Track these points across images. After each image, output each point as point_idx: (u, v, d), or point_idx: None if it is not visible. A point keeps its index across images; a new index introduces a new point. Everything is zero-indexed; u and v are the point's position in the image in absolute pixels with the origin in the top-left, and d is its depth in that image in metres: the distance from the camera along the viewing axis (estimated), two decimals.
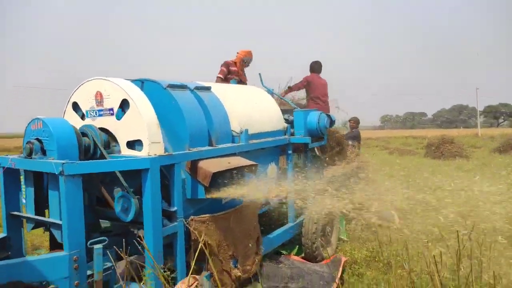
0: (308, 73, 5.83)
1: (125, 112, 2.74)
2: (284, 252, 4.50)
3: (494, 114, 61.64)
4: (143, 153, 2.67)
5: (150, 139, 2.65)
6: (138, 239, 2.33)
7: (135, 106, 2.67)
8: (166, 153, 2.73)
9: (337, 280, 3.76)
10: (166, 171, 2.88)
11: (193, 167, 3.04)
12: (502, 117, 62.34)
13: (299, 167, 4.65)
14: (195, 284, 2.58)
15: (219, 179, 3.12)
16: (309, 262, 4.24)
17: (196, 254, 2.52)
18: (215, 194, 3.10)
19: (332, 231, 4.70)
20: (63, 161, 2.30)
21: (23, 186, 2.86)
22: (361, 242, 4.81)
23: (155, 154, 2.65)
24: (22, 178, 2.85)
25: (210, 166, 3.01)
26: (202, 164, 3.01)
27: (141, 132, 2.67)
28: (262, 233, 4.38)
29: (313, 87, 5.65)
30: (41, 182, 2.84)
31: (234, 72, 5.12)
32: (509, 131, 32.42)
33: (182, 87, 3.20)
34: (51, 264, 2.29)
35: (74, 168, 2.31)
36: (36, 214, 2.77)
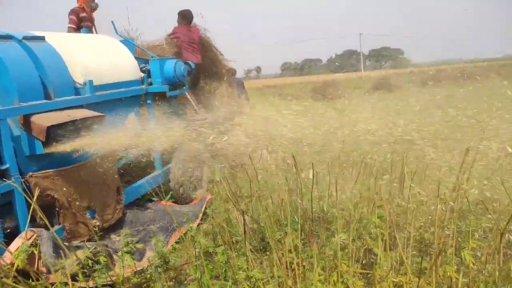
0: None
1: None
2: (154, 199, 4.66)
3: (377, 58, 68.07)
4: None
5: None
6: None
7: None
8: None
9: (199, 216, 4.07)
10: None
11: (27, 123, 2.93)
12: (384, 60, 69.16)
13: (168, 116, 4.72)
14: (33, 236, 2.59)
15: (62, 132, 3.06)
16: (177, 205, 4.49)
17: (31, 209, 2.52)
18: (58, 148, 3.05)
19: (201, 174, 4.97)
20: None
21: None
22: (230, 180, 5.17)
23: None
24: None
25: (45, 120, 2.92)
26: (35, 118, 2.90)
27: None
28: (128, 183, 4.48)
29: (181, 38, 5.66)
30: None
31: (85, 19, 4.81)
32: (388, 73, 36.23)
33: (5, 37, 2.96)
34: None
35: None
36: None
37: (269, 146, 4.11)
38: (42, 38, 3.27)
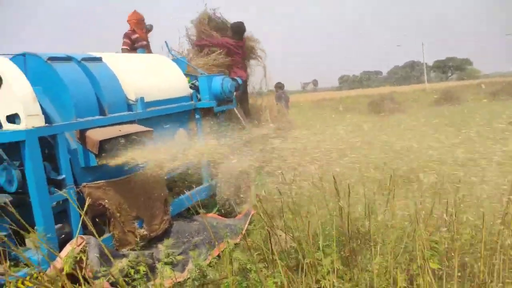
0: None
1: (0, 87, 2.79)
2: (202, 211, 4.77)
3: (443, 69, 64.47)
4: (21, 126, 2.76)
5: (26, 112, 2.74)
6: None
7: (7, 80, 2.73)
8: (45, 125, 2.83)
9: (243, 231, 4.09)
10: (53, 142, 2.99)
11: (82, 137, 3.17)
12: (450, 70, 65.32)
13: (215, 131, 4.85)
14: (83, 243, 2.77)
15: (113, 146, 3.27)
16: (222, 218, 4.55)
17: (81, 217, 2.70)
18: (109, 161, 3.25)
19: (247, 188, 5.00)
20: None
21: None
22: (275, 196, 5.14)
23: (33, 126, 2.74)
24: None
25: (98, 134, 3.14)
26: (89, 133, 3.13)
27: (16, 106, 2.74)
28: (176, 194, 4.63)
29: (239, 56, 5.62)
30: None
31: (138, 39, 5.14)
32: (454, 84, 34.15)
33: (66, 59, 3.25)
34: None
35: None
36: None
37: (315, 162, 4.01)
38: (99, 59, 3.54)
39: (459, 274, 2.01)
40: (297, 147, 4.41)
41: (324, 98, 32.55)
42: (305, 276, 2.55)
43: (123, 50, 5.10)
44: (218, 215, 4.73)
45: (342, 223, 3.01)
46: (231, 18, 5.80)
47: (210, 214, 4.67)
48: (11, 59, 3.18)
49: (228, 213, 4.71)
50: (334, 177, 2.40)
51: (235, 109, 4.96)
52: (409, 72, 69.29)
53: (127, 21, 5.22)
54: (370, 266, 2.42)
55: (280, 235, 3.69)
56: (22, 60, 3.18)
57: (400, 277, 2.26)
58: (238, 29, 5.55)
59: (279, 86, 9.13)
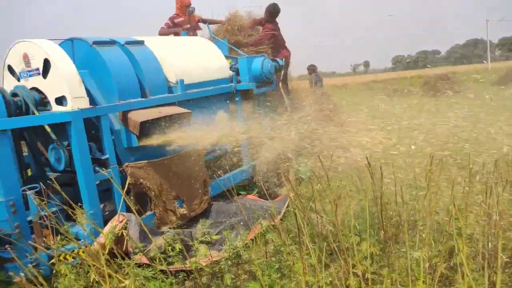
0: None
1: (48, 71, 2.95)
2: (242, 193, 4.83)
3: (509, 47, 59.24)
4: (68, 108, 2.91)
5: (72, 94, 2.88)
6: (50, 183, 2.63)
7: (55, 64, 2.88)
8: (89, 106, 2.96)
9: (281, 214, 4.09)
10: (97, 123, 3.14)
11: (125, 118, 3.29)
12: None
13: (255, 113, 4.84)
14: (124, 220, 2.91)
15: (154, 127, 3.37)
16: (261, 200, 4.57)
17: (122, 196, 2.82)
18: (150, 142, 3.36)
19: (287, 171, 4.96)
20: None
21: None
22: (316, 179, 5.06)
23: (78, 108, 2.89)
24: None
25: (139, 116, 3.25)
26: (131, 114, 3.25)
27: (63, 88, 2.89)
28: (217, 176, 4.70)
29: (279, 36, 5.63)
30: None
31: (182, 23, 5.21)
32: None
33: (110, 43, 3.36)
34: None
35: None
36: None
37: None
38: (141, 42, 3.63)
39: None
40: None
41: (374, 80, 31.26)
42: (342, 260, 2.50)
43: (161, 29, 5.28)
44: (258, 196, 4.77)
45: (381, 207, 2.90)
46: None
47: (249, 196, 4.71)
48: (60, 44, 3.35)
49: (268, 195, 4.71)
50: (367, 159, 2.29)
51: (281, 88, 4.90)
52: (471, 51, 64.51)
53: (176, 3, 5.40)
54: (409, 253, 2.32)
55: (316, 218, 3.64)
56: (70, 45, 3.34)
57: (440, 265, 2.14)
58: (274, 10, 5.62)
59: (312, 68, 8.73)
